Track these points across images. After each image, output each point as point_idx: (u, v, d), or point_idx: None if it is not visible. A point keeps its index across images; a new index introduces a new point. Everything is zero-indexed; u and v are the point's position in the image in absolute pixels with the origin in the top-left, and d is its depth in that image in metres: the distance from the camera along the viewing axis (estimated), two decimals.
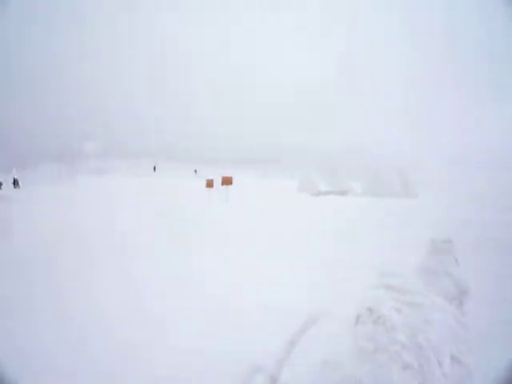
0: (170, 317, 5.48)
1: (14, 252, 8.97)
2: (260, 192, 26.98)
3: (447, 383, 2.42)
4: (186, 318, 5.44)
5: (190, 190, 26.78)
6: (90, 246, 9.81)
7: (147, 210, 15.98)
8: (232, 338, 4.67)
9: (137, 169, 46.63)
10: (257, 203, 19.98)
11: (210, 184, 30.15)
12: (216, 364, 4.13)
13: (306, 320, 3.51)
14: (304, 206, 19.41)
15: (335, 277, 7.24)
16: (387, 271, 3.00)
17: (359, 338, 2.56)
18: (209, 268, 7.98)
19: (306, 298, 5.79)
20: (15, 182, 34.08)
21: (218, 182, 24.51)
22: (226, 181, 23.32)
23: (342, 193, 28.32)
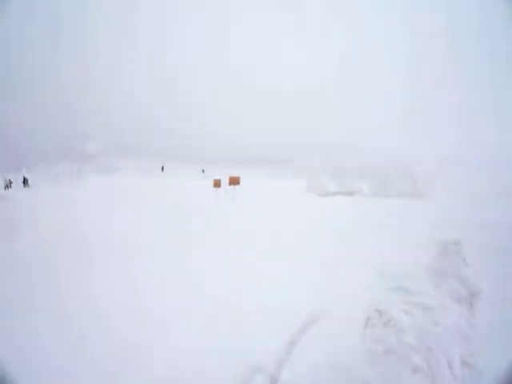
0: (170, 317, 5.48)
1: (20, 252, 8.98)
2: (267, 192, 26.77)
3: None
4: (186, 317, 5.44)
5: (198, 190, 26.69)
6: (98, 245, 9.78)
7: (153, 211, 15.90)
8: (232, 338, 4.67)
9: (145, 169, 46.72)
10: (263, 203, 19.86)
11: (217, 184, 29.99)
12: (216, 364, 4.13)
13: (306, 320, 3.50)
14: (310, 206, 19.33)
15: (335, 277, 7.23)
16: (396, 273, 2.98)
17: (369, 341, 2.54)
18: (209, 268, 7.98)
19: (306, 298, 5.78)
20: (25, 181, 34.24)
21: (225, 181, 24.46)
22: (234, 181, 23.23)
23: (350, 193, 28.12)
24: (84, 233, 11.28)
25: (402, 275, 2.95)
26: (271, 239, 10.71)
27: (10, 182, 32.81)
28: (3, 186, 31.62)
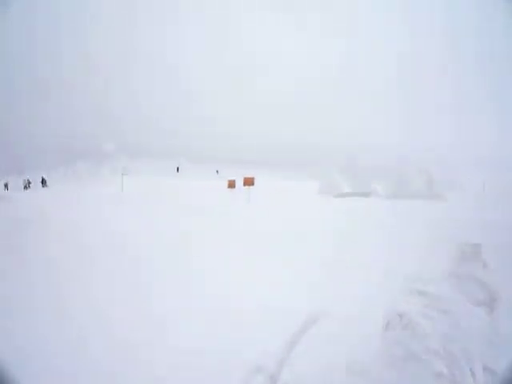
0: (170, 317, 5.48)
1: (24, 250, 8.96)
2: (282, 193, 26.53)
3: None
4: (186, 317, 5.44)
5: (212, 191, 26.54)
6: (111, 246, 9.69)
7: (166, 211, 15.68)
8: (232, 338, 4.67)
9: (161, 169, 46.89)
10: (277, 204, 19.64)
11: (231, 185, 29.75)
12: (216, 364, 4.13)
13: (306, 320, 3.50)
14: (324, 207, 19.10)
15: (335, 277, 7.22)
16: (417, 277, 2.94)
17: (389, 344, 2.49)
18: (209, 268, 7.96)
19: (307, 298, 5.78)
20: (43, 181, 34.69)
21: (240, 182, 24.28)
22: (248, 182, 23.10)
23: (365, 194, 27.66)
24: (94, 233, 11.23)
25: (423, 279, 2.91)
26: (285, 239, 10.46)
27: (29, 183, 33.66)
28: (22, 187, 32.64)
